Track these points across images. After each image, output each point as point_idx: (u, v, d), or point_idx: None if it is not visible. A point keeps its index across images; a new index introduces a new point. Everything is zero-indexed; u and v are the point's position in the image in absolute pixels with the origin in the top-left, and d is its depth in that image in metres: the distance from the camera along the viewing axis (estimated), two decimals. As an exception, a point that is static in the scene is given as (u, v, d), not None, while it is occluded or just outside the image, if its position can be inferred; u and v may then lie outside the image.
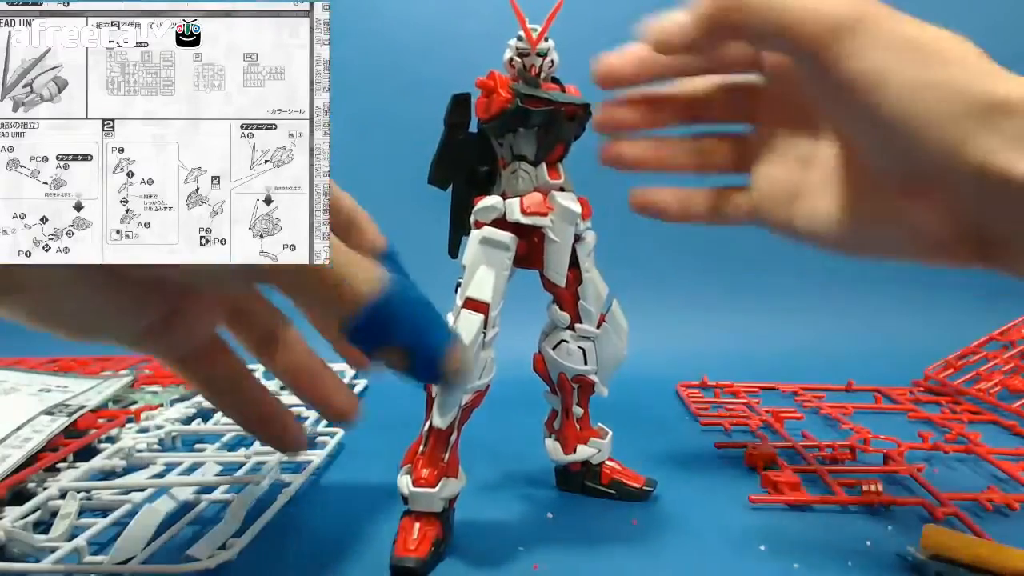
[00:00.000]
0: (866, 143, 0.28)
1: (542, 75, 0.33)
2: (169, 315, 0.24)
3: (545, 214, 0.33)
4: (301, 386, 0.28)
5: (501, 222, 0.34)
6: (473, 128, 0.35)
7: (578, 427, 0.40)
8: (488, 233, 0.33)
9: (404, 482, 0.33)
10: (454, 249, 0.37)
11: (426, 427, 0.34)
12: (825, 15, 0.26)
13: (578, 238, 0.36)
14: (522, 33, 0.33)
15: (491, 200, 0.34)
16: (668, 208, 0.35)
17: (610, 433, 0.41)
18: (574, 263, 0.36)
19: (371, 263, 0.25)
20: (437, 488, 0.33)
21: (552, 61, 0.34)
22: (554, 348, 0.38)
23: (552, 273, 0.35)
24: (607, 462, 0.41)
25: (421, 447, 0.34)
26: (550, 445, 0.40)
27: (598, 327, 0.37)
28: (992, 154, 0.24)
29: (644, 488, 0.40)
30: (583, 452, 0.40)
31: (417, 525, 0.33)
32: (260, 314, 0.28)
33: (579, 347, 0.37)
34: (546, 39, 0.33)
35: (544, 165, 0.34)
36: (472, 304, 0.32)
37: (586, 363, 0.38)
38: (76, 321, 0.23)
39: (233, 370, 0.28)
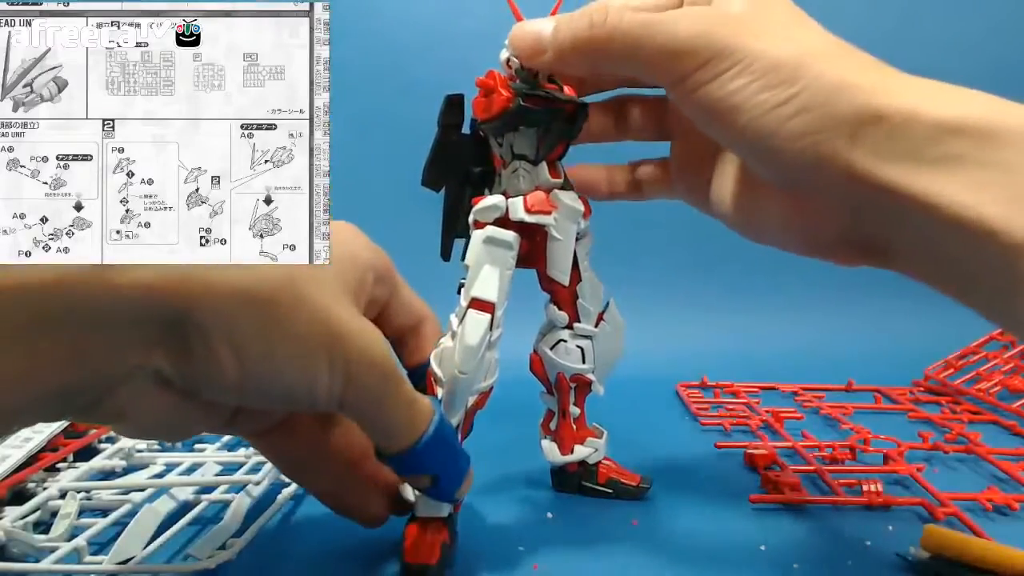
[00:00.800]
0: (739, 157, 0.30)
1: (540, 74, 0.33)
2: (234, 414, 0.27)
3: (549, 212, 0.33)
4: (330, 502, 0.32)
5: (503, 221, 0.33)
6: (466, 129, 0.35)
7: (574, 427, 0.40)
8: (492, 232, 0.33)
9: (410, 488, 0.33)
10: (447, 252, 0.37)
11: None
12: (675, 50, 0.26)
13: (578, 237, 0.36)
14: None
15: (493, 199, 0.33)
16: (598, 185, 0.38)
17: (606, 432, 0.41)
18: (574, 262, 0.36)
19: (425, 404, 0.28)
20: None
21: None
22: (552, 348, 0.37)
23: (555, 271, 0.35)
24: (603, 461, 0.41)
25: None
26: (546, 446, 0.40)
27: (596, 326, 0.37)
28: (855, 164, 0.24)
29: (640, 486, 0.40)
30: (580, 452, 0.40)
31: (426, 531, 0.32)
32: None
33: (577, 346, 0.37)
34: None
35: (544, 164, 0.34)
36: (478, 304, 0.32)
37: (584, 362, 0.37)
38: (164, 433, 0.27)
39: (306, 448, 0.31)
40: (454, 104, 0.34)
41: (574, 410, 0.39)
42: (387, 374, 0.26)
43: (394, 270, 0.32)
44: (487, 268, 0.33)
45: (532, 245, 0.35)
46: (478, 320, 0.31)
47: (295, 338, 0.23)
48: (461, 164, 0.35)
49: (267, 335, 0.22)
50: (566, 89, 0.34)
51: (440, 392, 0.32)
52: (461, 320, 0.32)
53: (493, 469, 0.44)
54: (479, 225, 0.34)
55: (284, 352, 0.23)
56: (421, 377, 0.33)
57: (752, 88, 0.25)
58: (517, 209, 0.33)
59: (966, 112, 0.23)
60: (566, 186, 0.35)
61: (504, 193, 0.34)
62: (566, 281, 0.35)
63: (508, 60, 0.33)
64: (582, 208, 0.35)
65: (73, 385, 0.21)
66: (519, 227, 0.33)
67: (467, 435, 0.35)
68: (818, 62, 0.25)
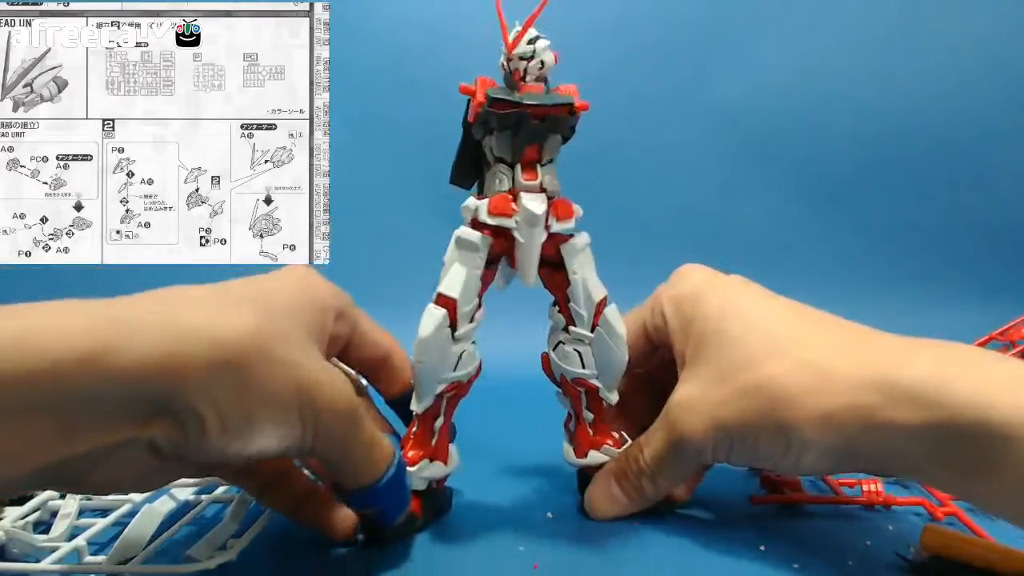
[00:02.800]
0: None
1: (528, 77, 0.33)
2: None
3: (509, 215, 0.33)
4: (299, 518, 0.33)
5: (475, 222, 0.34)
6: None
7: (591, 432, 0.39)
8: (461, 233, 0.34)
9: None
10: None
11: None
12: (705, 451, 0.33)
13: (562, 239, 0.35)
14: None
15: (468, 201, 0.35)
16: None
17: (629, 441, 0.39)
18: (557, 264, 0.35)
19: (386, 445, 0.30)
20: (416, 468, 0.35)
21: (541, 63, 0.33)
22: (554, 349, 0.38)
23: (521, 273, 0.35)
24: None
25: (414, 428, 0.36)
26: (565, 448, 0.40)
27: (592, 331, 0.37)
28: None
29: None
30: (594, 458, 0.39)
31: None
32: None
33: (575, 350, 0.37)
34: (532, 40, 0.33)
35: (519, 166, 0.34)
36: (440, 299, 0.34)
37: (583, 367, 0.37)
38: (140, 489, 0.29)
39: (270, 471, 0.32)
40: None
41: (587, 415, 0.38)
42: (352, 420, 0.27)
43: (353, 305, 0.34)
44: (456, 266, 0.34)
45: (505, 247, 0.35)
46: (434, 314, 0.33)
47: (269, 397, 0.24)
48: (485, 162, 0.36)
49: (243, 398, 0.23)
50: (563, 89, 0.34)
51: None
52: None
53: (494, 469, 0.44)
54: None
55: (260, 412, 0.24)
56: (403, 404, 0.36)
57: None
58: (482, 211, 0.34)
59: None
60: (548, 188, 0.34)
61: (481, 195, 0.35)
62: (530, 283, 0.35)
63: (502, 64, 0.34)
64: (540, 211, 0.33)
65: (66, 461, 0.21)
66: (495, 229, 0.34)
67: (450, 418, 0.37)
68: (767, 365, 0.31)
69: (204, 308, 0.24)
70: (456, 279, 0.34)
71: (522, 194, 0.34)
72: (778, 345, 0.31)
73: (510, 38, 0.32)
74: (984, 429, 0.24)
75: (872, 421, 0.27)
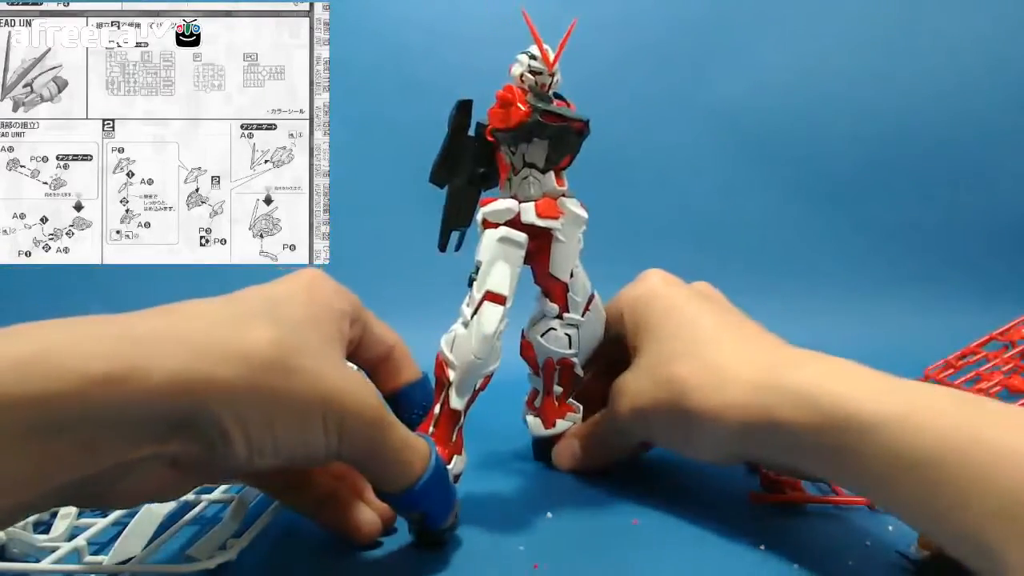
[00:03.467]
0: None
1: (551, 91, 0.37)
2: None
3: (557, 217, 0.37)
4: (321, 520, 0.33)
5: (513, 223, 0.37)
6: (471, 132, 0.38)
7: (556, 404, 0.44)
8: (507, 233, 0.37)
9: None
10: (444, 245, 0.40)
11: (438, 408, 0.37)
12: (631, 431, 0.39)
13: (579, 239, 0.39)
14: (533, 51, 0.36)
15: (506, 203, 0.37)
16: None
17: (581, 407, 0.45)
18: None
19: (421, 446, 0.30)
20: (451, 465, 0.36)
21: (559, 79, 0.37)
22: (543, 335, 0.42)
23: (558, 270, 0.39)
24: None
25: (432, 427, 0.37)
26: (531, 421, 0.45)
27: (582, 315, 0.42)
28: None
29: None
30: (561, 426, 0.44)
31: None
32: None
33: (566, 333, 0.42)
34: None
35: (552, 173, 0.38)
36: (492, 296, 0.36)
37: (571, 347, 0.42)
38: (159, 499, 0.27)
39: (292, 471, 0.32)
40: (464, 108, 0.37)
41: (557, 389, 0.44)
42: (379, 424, 0.28)
43: (362, 308, 0.35)
44: (500, 264, 0.36)
45: (536, 246, 0.38)
46: (494, 311, 0.36)
47: (292, 408, 0.25)
48: (467, 164, 0.38)
49: (266, 411, 0.24)
50: (570, 107, 0.38)
51: (452, 375, 0.36)
52: (475, 311, 0.36)
53: (494, 468, 0.44)
54: (489, 225, 0.37)
55: (284, 424, 0.25)
56: (401, 398, 0.37)
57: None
58: (529, 213, 0.37)
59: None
60: (568, 193, 0.39)
61: (515, 197, 0.38)
62: (567, 278, 0.40)
63: (521, 75, 0.36)
64: (586, 215, 0.39)
65: (87, 478, 0.22)
66: (528, 229, 0.37)
67: (467, 411, 0.38)
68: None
69: (223, 323, 0.25)
70: (504, 276, 0.36)
71: (564, 199, 0.38)
72: (695, 348, 0.36)
73: (550, 57, 0.36)
74: (854, 423, 0.28)
75: (763, 418, 0.32)
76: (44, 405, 0.19)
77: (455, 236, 0.39)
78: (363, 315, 0.34)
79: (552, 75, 0.36)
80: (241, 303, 0.28)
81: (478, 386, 0.37)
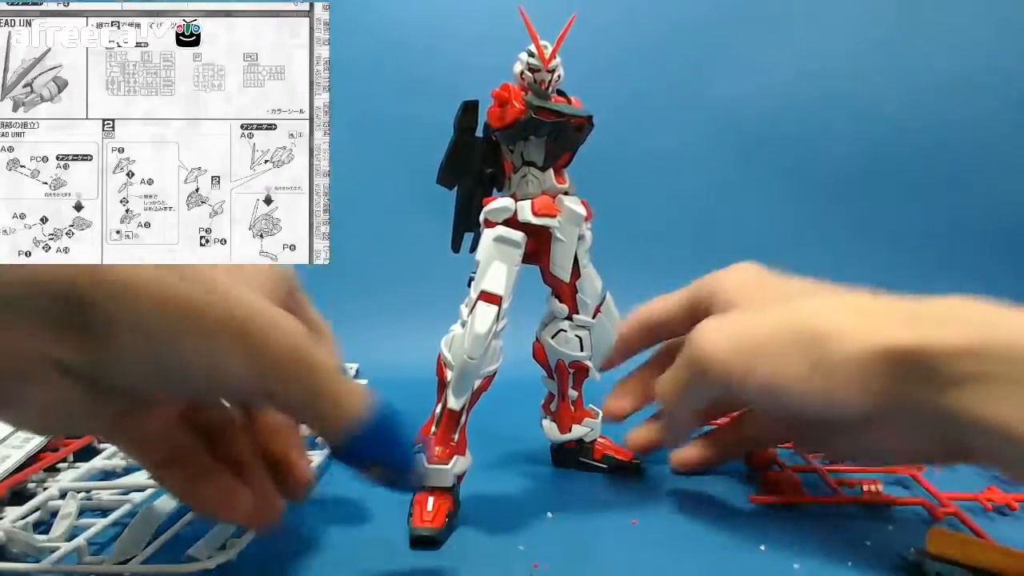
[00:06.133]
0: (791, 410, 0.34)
1: (550, 88, 0.36)
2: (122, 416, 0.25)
3: (554, 215, 0.37)
4: (198, 501, 0.29)
5: (511, 221, 0.37)
6: (478, 132, 0.38)
7: (573, 409, 0.43)
8: (502, 232, 0.36)
9: (418, 460, 0.34)
10: (457, 245, 0.40)
11: (438, 408, 0.36)
12: (729, 373, 0.34)
13: (579, 237, 0.39)
14: (532, 49, 0.36)
15: (503, 202, 0.37)
16: (694, 460, 0.43)
17: (600, 413, 0.44)
18: (574, 260, 0.39)
19: (357, 387, 0.27)
20: (450, 464, 0.36)
21: (559, 75, 0.36)
22: (553, 337, 0.41)
23: (557, 269, 0.39)
24: (599, 439, 0.44)
25: (433, 427, 0.36)
26: (547, 426, 0.44)
27: (593, 317, 0.41)
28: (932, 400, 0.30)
29: (632, 461, 0.44)
30: (577, 431, 0.43)
31: (431, 498, 0.35)
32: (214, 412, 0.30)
33: (576, 335, 0.41)
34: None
35: (551, 171, 0.37)
36: (487, 296, 0.35)
37: (582, 350, 0.41)
38: (62, 425, 0.26)
39: (177, 447, 0.28)
40: (470, 109, 0.37)
41: (572, 393, 0.43)
42: (304, 357, 0.25)
43: (300, 288, 0.33)
44: (496, 264, 0.36)
45: (538, 244, 0.38)
46: (487, 311, 0.35)
47: (203, 325, 0.22)
48: (474, 165, 0.38)
49: (172, 323, 0.22)
50: (573, 101, 0.37)
51: (450, 375, 0.35)
52: (471, 310, 0.35)
53: (494, 468, 0.44)
54: (489, 224, 0.37)
55: (192, 340, 0.22)
56: None
57: (786, 368, 0.33)
58: (525, 211, 0.36)
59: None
60: (570, 191, 0.38)
61: (513, 195, 0.37)
62: (567, 278, 0.39)
63: (522, 73, 0.36)
64: (584, 212, 0.38)
65: None
66: (526, 227, 0.37)
67: (470, 411, 0.37)
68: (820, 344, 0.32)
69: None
70: (499, 276, 0.36)
71: (563, 196, 0.38)
72: (827, 293, 0.38)
73: (546, 54, 0.35)
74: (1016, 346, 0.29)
75: (918, 343, 0.31)
76: None
77: (468, 237, 0.39)
78: (300, 294, 0.33)
79: (551, 71, 0.36)
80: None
81: (477, 386, 0.36)
